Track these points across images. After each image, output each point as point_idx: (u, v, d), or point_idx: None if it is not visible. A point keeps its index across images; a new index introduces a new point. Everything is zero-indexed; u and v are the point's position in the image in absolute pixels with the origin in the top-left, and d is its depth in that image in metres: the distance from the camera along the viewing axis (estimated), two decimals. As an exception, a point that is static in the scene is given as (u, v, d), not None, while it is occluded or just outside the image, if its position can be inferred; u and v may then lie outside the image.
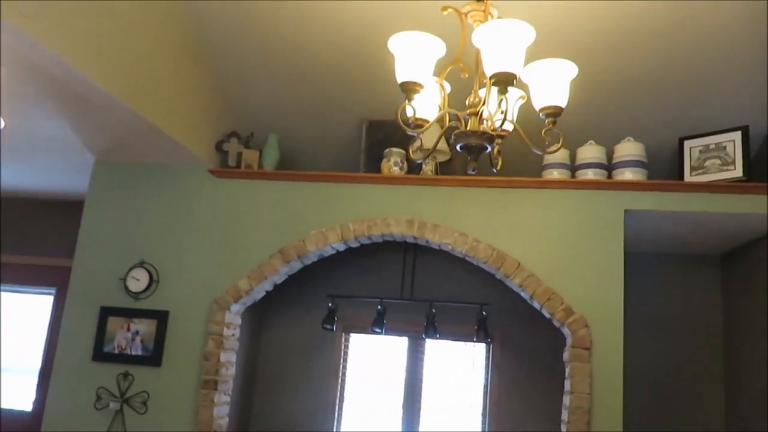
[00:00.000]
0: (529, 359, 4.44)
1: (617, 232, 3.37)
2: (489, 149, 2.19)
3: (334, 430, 4.57)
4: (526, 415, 4.35)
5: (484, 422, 4.44)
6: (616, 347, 3.21)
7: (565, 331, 3.31)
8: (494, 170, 2.34)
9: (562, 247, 3.39)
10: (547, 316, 3.38)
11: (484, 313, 4.07)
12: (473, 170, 2.20)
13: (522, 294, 3.44)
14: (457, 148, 2.18)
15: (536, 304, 3.38)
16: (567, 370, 3.28)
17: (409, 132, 2.15)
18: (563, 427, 3.25)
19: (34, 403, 4.86)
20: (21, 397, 4.91)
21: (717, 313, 4.26)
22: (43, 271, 5.10)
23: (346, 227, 3.56)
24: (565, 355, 3.33)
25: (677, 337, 4.24)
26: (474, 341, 4.33)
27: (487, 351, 4.54)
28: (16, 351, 5.05)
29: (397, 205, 3.58)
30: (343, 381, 4.68)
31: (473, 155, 2.17)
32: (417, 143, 2.35)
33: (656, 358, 4.14)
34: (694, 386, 4.15)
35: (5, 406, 4.93)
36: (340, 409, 4.64)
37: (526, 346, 4.46)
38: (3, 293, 5.21)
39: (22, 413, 4.87)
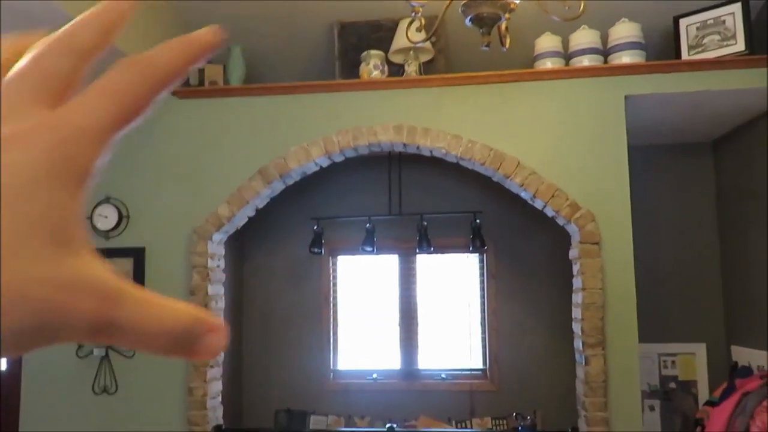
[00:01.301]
0: (524, 266, 4.33)
1: (619, 120, 3.18)
2: (503, 20, 1.93)
3: (330, 356, 4.44)
4: (526, 320, 4.28)
5: (483, 332, 4.36)
6: (625, 239, 3.09)
7: (571, 228, 3.16)
8: (504, 49, 2.09)
9: (563, 142, 3.19)
10: (551, 214, 3.22)
11: (478, 221, 3.90)
12: (486, 46, 1.94)
13: (522, 194, 3.26)
14: (467, 21, 1.91)
15: (539, 203, 3.21)
16: (576, 267, 3.16)
17: (413, 2, 1.87)
18: (576, 325, 3.15)
19: (7, 362, 4.58)
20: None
21: (711, 199, 4.18)
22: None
23: (330, 140, 3.28)
24: (573, 253, 3.20)
25: (674, 226, 4.16)
26: (469, 251, 4.18)
27: (482, 261, 4.41)
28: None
29: (382, 112, 3.31)
30: (335, 305, 4.52)
31: (486, 28, 1.90)
32: (416, 24, 2.06)
33: (656, 248, 4.07)
34: (693, 272, 4.11)
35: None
36: (335, 334, 4.49)
37: (520, 253, 4.34)
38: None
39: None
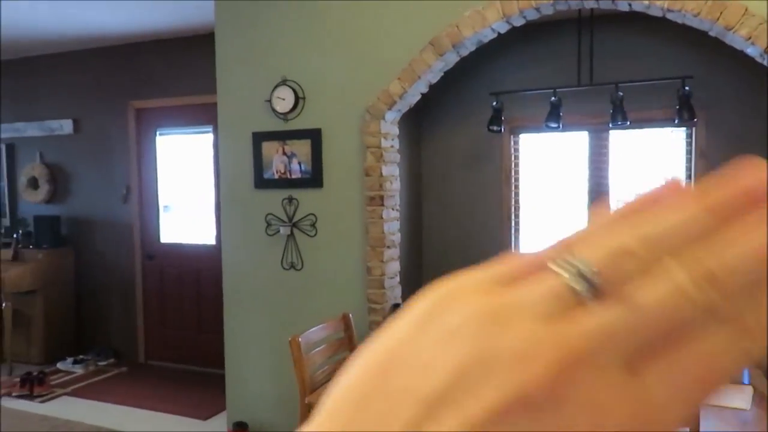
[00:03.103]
0: (742, 141, 3.67)
1: None
2: None
3: (512, 239, 4.26)
4: (742, 205, 3.68)
5: (687, 218, 3.85)
6: None
7: (814, 90, 2.53)
8: None
9: (811, -23, 2.49)
10: (786, 74, 2.60)
11: (686, 88, 3.31)
12: None
13: (748, 51, 2.64)
14: None
15: (770, 61, 2.59)
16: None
17: None
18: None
19: (215, 237, 5.07)
20: (204, 233, 5.15)
21: None
22: (198, 110, 5.06)
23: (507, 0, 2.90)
24: (814, 122, 2.58)
25: None
26: (675, 124, 3.62)
27: (689, 136, 3.82)
28: (192, 191, 5.23)
29: (570, -38, 2.83)
30: (517, 187, 4.26)
31: None
32: None
33: None
34: None
35: (195, 241, 5.21)
36: (517, 217, 4.28)
37: (738, 125, 3.68)
38: (166, 137, 5.30)
39: (207, 246, 5.12)
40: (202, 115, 5.04)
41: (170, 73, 5.16)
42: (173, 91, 5.17)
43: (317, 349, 2.76)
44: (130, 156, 5.39)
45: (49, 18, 4.45)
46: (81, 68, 5.51)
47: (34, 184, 5.77)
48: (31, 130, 5.80)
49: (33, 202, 5.78)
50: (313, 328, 2.76)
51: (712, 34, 2.73)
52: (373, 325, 3.24)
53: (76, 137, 5.62)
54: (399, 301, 3.37)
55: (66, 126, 5.64)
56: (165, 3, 4.11)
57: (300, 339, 2.59)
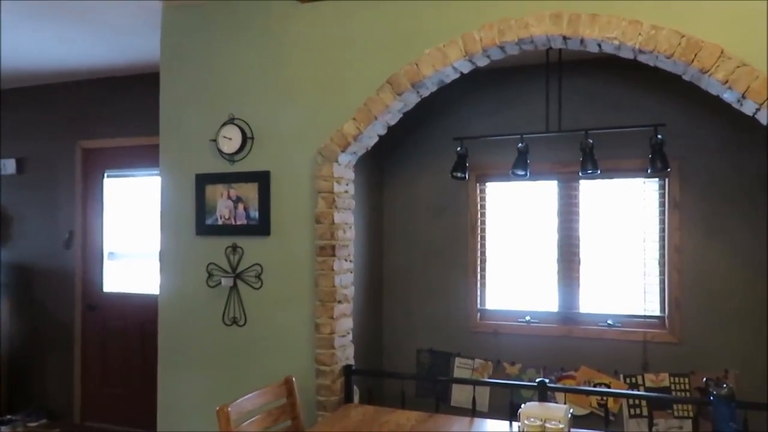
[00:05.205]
0: (718, 192, 3.51)
1: None
2: None
3: (478, 294, 3.99)
4: (718, 259, 3.48)
5: (662, 272, 3.63)
6: None
7: (797, 138, 2.34)
8: None
9: (789, 18, 2.33)
10: (766, 121, 2.42)
11: (659, 137, 3.13)
12: None
13: (725, 96, 2.47)
14: None
15: (749, 106, 2.41)
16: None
17: None
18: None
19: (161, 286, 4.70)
20: (151, 282, 4.79)
21: None
22: (149, 151, 4.77)
23: (470, 37, 2.70)
24: (797, 172, 2.39)
25: None
26: (647, 174, 3.43)
27: (662, 187, 3.64)
28: (139, 237, 4.89)
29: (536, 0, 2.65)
30: (483, 237, 4.02)
31: None
32: None
33: None
34: None
35: (140, 291, 4.84)
36: (483, 269, 4.02)
37: (713, 176, 3.52)
38: (114, 179, 4.98)
39: (152, 296, 4.73)
40: (153, 157, 4.74)
41: (121, 112, 4.88)
42: (123, 131, 4.88)
43: (253, 419, 2.41)
44: (75, 198, 5.04)
45: (-10, 51, 4.17)
46: (26, 105, 5.21)
47: (-30, 226, 5.37)
48: (-29, 169, 5.43)
49: (-32, 246, 5.36)
50: (248, 395, 2.42)
51: (686, 77, 2.56)
52: (321, 389, 2.90)
53: (20, 178, 5.27)
54: (351, 362, 3.05)
55: (9, 165, 5.29)
56: (116, 37, 3.87)
57: (230, 409, 2.25)
